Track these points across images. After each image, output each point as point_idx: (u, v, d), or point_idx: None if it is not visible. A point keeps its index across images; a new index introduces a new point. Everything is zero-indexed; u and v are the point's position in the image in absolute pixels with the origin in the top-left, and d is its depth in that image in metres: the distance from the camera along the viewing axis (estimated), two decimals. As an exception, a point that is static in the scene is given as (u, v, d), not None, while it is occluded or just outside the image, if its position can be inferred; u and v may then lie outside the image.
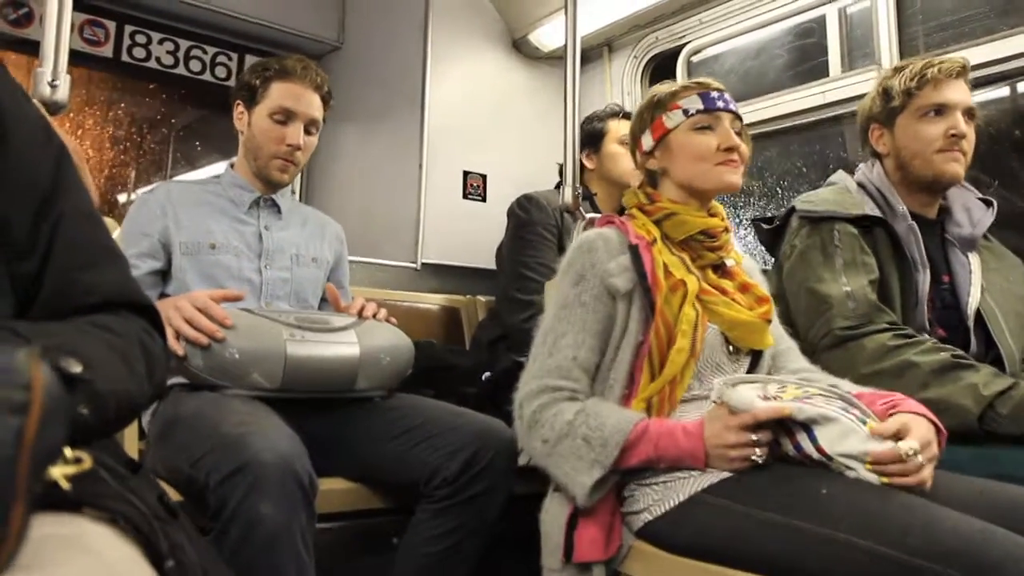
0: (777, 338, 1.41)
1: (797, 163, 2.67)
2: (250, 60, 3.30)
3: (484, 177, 2.91)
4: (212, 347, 1.40)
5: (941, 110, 1.59)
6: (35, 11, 2.78)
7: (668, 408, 1.24)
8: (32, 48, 2.62)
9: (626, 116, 2.35)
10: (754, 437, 1.12)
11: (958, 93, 1.59)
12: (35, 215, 0.72)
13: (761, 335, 1.32)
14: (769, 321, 1.33)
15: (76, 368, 0.56)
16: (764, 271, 1.56)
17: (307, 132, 1.77)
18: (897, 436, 1.07)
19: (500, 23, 3.01)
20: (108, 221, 1.26)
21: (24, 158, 0.72)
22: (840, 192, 1.68)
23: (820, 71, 2.50)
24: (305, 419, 1.42)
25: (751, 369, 1.37)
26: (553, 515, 1.24)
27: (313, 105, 1.76)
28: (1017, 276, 1.68)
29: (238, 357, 1.42)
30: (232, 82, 3.24)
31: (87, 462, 0.55)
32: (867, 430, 1.07)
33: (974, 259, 1.64)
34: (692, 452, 1.16)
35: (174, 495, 1.33)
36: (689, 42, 2.79)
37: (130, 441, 1.55)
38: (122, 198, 4.11)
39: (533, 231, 2.22)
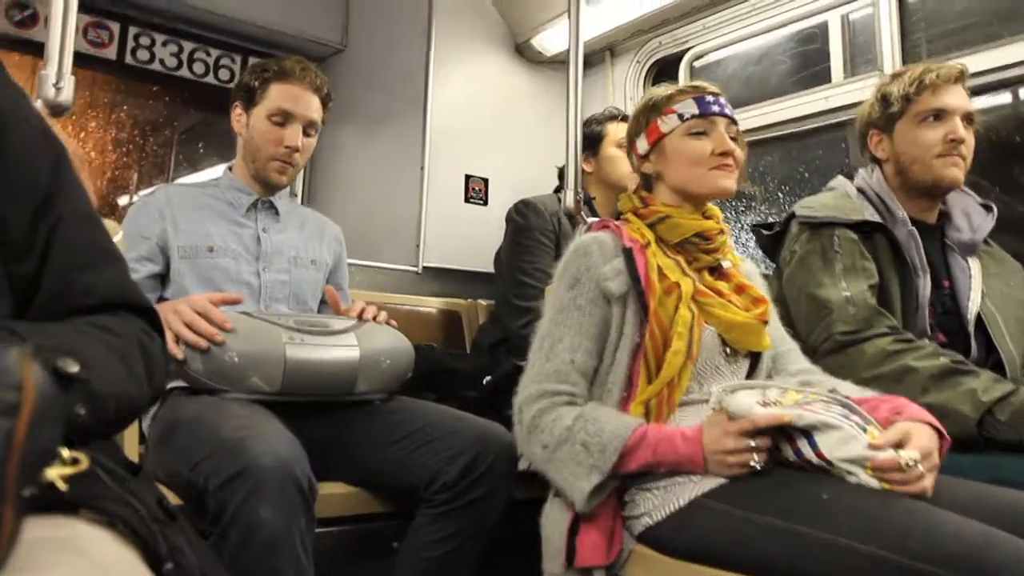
0: (777, 340, 1.40)
1: (799, 168, 2.67)
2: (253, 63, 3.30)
3: (486, 181, 2.91)
4: (211, 351, 1.40)
5: (940, 115, 1.59)
6: (40, 12, 2.78)
7: (667, 411, 1.24)
8: (37, 49, 2.62)
9: (625, 119, 2.34)
10: (753, 443, 1.12)
11: (957, 98, 1.59)
12: (33, 216, 0.72)
13: (758, 337, 1.32)
14: (765, 322, 1.33)
15: (73, 368, 0.56)
16: (765, 276, 1.56)
17: (306, 134, 1.76)
18: (898, 445, 1.07)
19: (503, 27, 3.01)
20: (110, 224, 1.27)
21: (22, 159, 0.72)
22: (840, 197, 1.68)
23: (822, 77, 2.50)
24: (305, 423, 1.42)
25: (750, 371, 1.37)
26: (554, 520, 1.23)
27: (312, 107, 1.76)
28: (1018, 281, 1.68)
29: (237, 361, 1.42)
30: (235, 85, 3.24)
31: (84, 463, 0.55)
32: (867, 438, 1.07)
33: (974, 264, 1.64)
34: (691, 458, 1.16)
35: (174, 499, 1.33)
36: (692, 47, 2.80)
37: (130, 445, 1.55)
38: (124, 200, 4.11)
39: (531, 236, 2.22)
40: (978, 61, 2.02)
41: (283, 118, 1.73)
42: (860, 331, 1.47)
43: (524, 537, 1.30)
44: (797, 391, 1.18)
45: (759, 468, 1.12)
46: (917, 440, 1.07)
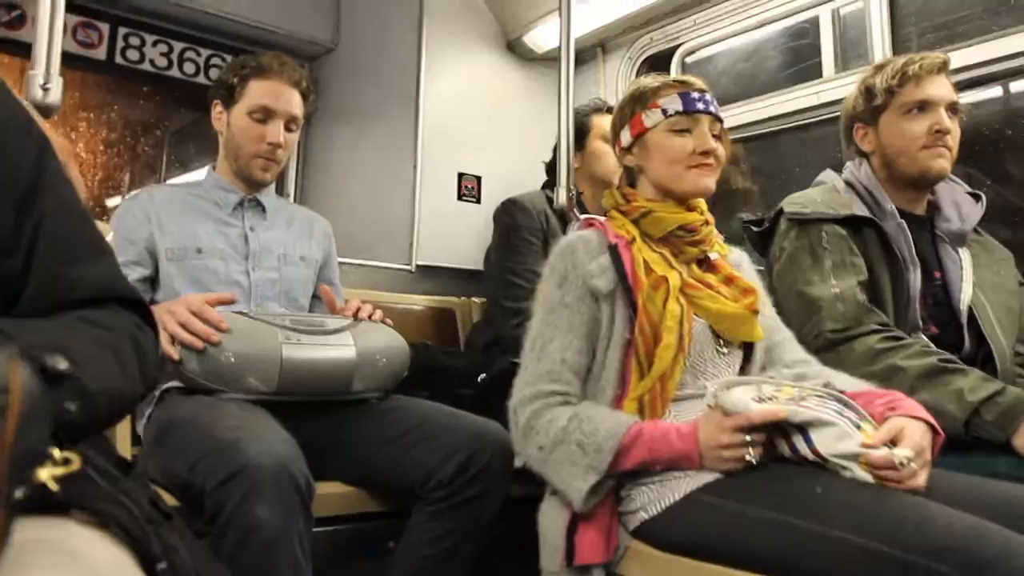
0: (771, 330, 1.40)
1: (791, 164, 2.67)
2: (245, 62, 3.28)
3: (479, 179, 2.90)
4: (208, 351, 1.40)
5: (924, 106, 1.59)
6: (28, 13, 2.76)
7: (661, 406, 1.24)
8: (25, 50, 2.61)
9: (609, 111, 2.33)
10: (748, 438, 1.12)
11: (940, 89, 1.59)
12: (17, 210, 0.71)
13: (750, 327, 1.32)
14: (756, 312, 1.33)
15: (62, 365, 0.56)
16: (758, 271, 1.56)
17: (287, 129, 1.75)
18: (892, 442, 1.07)
19: (494, 24, 3.00)
20: (101, 226, 1.26)
21: (3, 152, 0.71)
22: (828, 192, 1.68)
23: (814, 72, 2.50)
24: (301, 422, 1.41)
25: (744, 363, 1.37)
26: (551, 518, 1.23)
27: (292, 102, 1.75)
28: (1007, 269, 1.68)
29: (234, 361, 1.41)
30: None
31: (76, 463, 0.54)
32: (861, 436, 1.07)
33: (965, 255, 1.64)
34: (686, 454, 1.16)
35: (170, 500, 1.32)
36: (683, 43, 2.80)
37: (123, 446, 1.54)
38: (117, 201, 4.09)
39: (519, 236, 2.21)
40: (968, 55, 2.03)
41: (264, 115, 1.72)
42: (849, 329, 1.47)
43: (521, 535, 1.30)
44: (792, 386, 1.19)
45: (755, 462, 1.13)
46: (910, 438, 1.08)
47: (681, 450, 1.16)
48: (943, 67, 1.60)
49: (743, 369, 1.37)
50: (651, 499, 1.19)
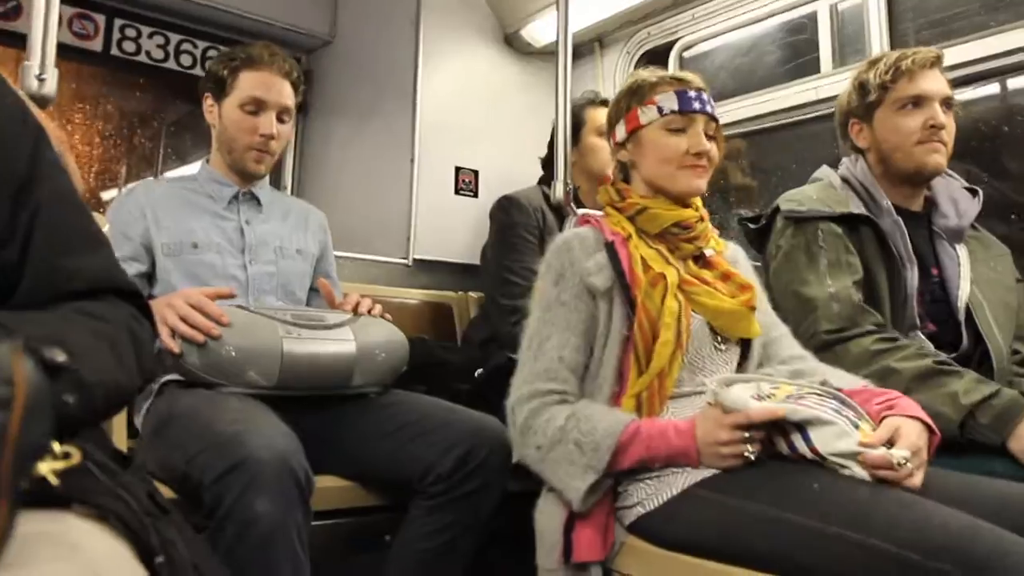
0: (767, 326, 1.40)
1: (788, 159, 2.67)
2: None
3: (476, 173, 2.90)
4: (208, 345, 1.39)
5: (918, 101, 1.58)
6: (24, 4, 2.75)
7: (659, 403, 1.24)
8: (20, 41, 2.59)
9: (603, 103, 2.32)
10: (746, 435, 1.12)
11: (934, 83, 1.58)
12: (13, 200, 0.71)
13: (747, 323, 1.32)
14: (753, 308, 1.33)
15: (60, 357, 0.56)
16: (755, 266, 1.56)
17: (280, 120, 1.74)
18: (889, 442, 1.07)
19: (492, 18, 3.00)
20: (98, 217, 1.25)
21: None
22: (824, 188, 1.68)
23: (812, 67, 2.50)
24: (300, 416, 1.41)
25: (741, 359, 1.37)
26: (548, 515, 1.23)
27: (284, 93, 1.73)
28: (1004, 266, 1.68)
29: (235, 355, 1.41)
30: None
31: (75, 457, 0.54)
32: (859, 435, 1.08)
33: (962, 251, 1.63)
34: (684, 451, 1.16)
35: (168, 493, 1.32)
36: (681, 37, 2.79)
37: (119, 439, 1.54)
38: (113, 193, 4.08)
39: (515, 234, 2.21)
40: (966, 51, 2.03)
41: (256, 106, 1.71)
42: (845, 329, 1.47)
43: (518, 529, 1.30)
44: (790, 384, 1.19)
45: (753, 458, 1.13)
46: (907, 437, 1.08)
47: (679, 447, 1.16)
48: (936, 62, 1.60)
49: (740, 365, 1.37)
50: (648, 494, 1.19)
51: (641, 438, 1.17)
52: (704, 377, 1.29)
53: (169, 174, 4.13)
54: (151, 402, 1.51)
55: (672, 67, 2.81)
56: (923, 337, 1.53)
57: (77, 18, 2.93)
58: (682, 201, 1.36)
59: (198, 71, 3.19)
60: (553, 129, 2.28)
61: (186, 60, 3.19)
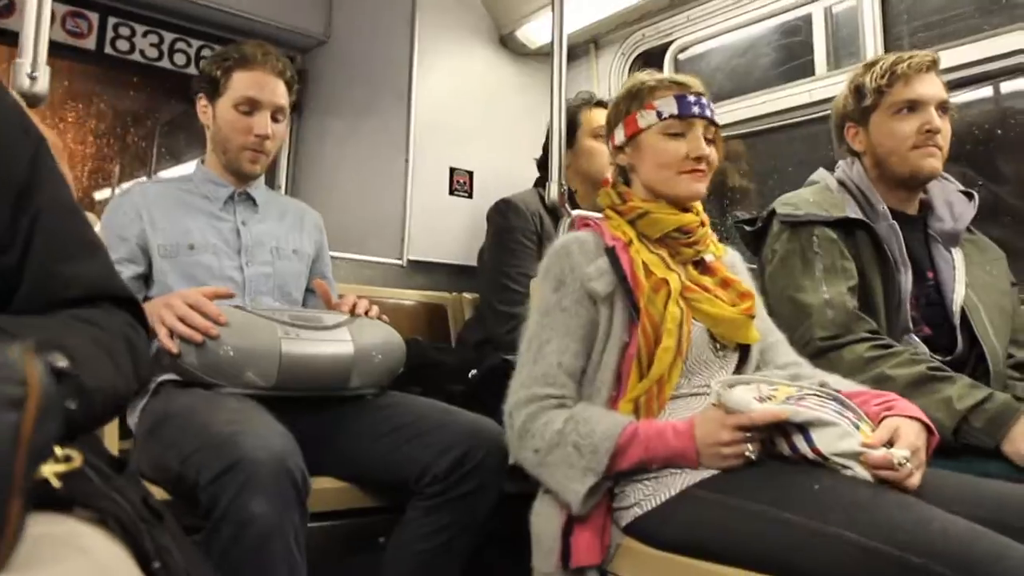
0: (764, 332, 1.41)
1: (783, 162, 2.68)
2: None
3: (471, 174, 2.90)
4: (206, 345, 1.39)
5: (914, 106, 1.58)
6: (16, 1, 2.73)
7: (657, 407, 1.24)
8: (12, 39, 2.58)
9: (599, 104, 2.32)
10: (747, 436, 1.12)
11: (930, 87, 1.59)
12: (13, 208, 0.71)
13: (746, 331, 1.32)
14: (752, 316, 1.33)
15: (62, 363, 0.56)
16: (751, 270, 1.56)
17: (274, 120, 1.73)
18: (889, 442, 1.08)
19: (487, 19, 3.00)
20: (90, 216, 1.25)
21: (0, 148, 0.71)
22: (821, 192, 1.68)
23: (806, 70, 2.51)
24: (296, 417, 1.40)
25: (739, 364, 1.37)
26: (545, 518, 1.23)
27: (278, 92, 1.73)
28: (999, 269, 1.69)
29: (233, 355, 1.40)
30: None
31: (77, 460, 0.54)
32: (860, 436, 1.08)
33: (958, 254, 1.64)
34: (683, 452, 1.16)
35: (162, 494, 1.32)
36: (676, 39, 2.80)
37: (111, 441, 1.53)
38: (106, 193, 4.06)
39: (512, 238, 2.20)
40: (960, 54, 2.04)
41: (250, 106, 1.70)
42: (839, 336, 1.47)
43: (515, 531, 1.30)
44: (790, 386, 1.19)
45: (753, 458, 1.13)
46: (906, 437, 1.09)
47: (677, 448, 1.16)
48: (932, 66, 1.60)
49: (738, 370, 1.37)
50: (646, 495, 1.19)
51: (640, 439, 1.17)
52: (702, 381, 1.29)
53: (163, 174, 4.12)
54: (146, 401, 1.50)
55: (667, 69, 2.82)
56: (917, 341, 1.53)
57: (70, 16, 2.92)
58: (682, 205, 1.36)
59: (192, 70, 3.18)
60: (548, 130, 2.28)
61: (180, 59, 3.17)
